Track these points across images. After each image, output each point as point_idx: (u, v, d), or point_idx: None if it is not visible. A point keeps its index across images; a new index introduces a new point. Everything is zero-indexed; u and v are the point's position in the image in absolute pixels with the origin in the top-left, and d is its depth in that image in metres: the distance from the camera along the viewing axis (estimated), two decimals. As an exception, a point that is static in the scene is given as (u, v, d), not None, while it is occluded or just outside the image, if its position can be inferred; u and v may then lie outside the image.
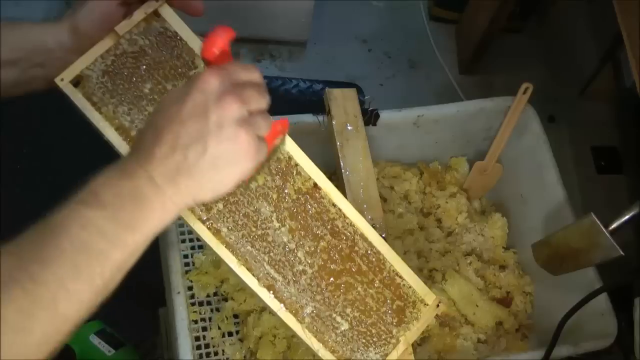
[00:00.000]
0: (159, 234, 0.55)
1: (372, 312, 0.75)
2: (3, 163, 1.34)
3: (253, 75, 0.58)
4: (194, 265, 0.98)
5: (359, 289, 0.74)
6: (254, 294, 0.71)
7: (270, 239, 0.70)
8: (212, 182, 0.56)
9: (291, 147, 0.70)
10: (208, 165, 0.54)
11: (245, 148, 0.56)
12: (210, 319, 0.96)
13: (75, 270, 0.49)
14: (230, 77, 0.56)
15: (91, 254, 0.50)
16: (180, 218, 0.68)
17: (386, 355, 0.75)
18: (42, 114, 1.42)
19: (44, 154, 1.41)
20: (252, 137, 0.56)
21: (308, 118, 0.97)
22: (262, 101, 0.58)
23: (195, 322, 0.94)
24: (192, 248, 1.00)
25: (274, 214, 0.71)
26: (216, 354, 0.93)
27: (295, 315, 0.71)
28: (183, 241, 0.99)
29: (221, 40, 0.56)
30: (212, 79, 0.55)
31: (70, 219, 0.51)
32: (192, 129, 0.54)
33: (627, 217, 0.82)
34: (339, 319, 0.73)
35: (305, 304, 0.72)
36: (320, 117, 0.96)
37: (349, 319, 0.74)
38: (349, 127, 0.93)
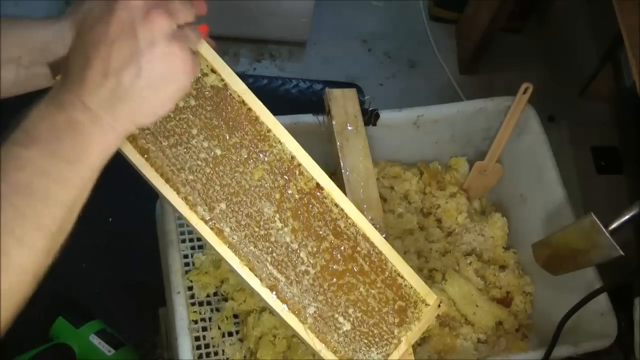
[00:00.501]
0: (102, 166, 0.53)
1: (374, 313, 0.75)
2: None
3: None
4: (194, 265, 0.98)
5: (361, 289, 0.75)
6: (255, 294, 0.71)
7: (272, 239, 0.70)
8: (151, 103, 0.53)
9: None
10: (144, 86, 0.52)
11: (181, 63, 0.53)
12: (210, 319, 0.96)
13: (20, 215, 0.47)
14: None
15: (34, 195, 0.48)
16: (181, 217, 0.69)
17: (388, 355, 0.75)
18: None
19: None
20: (186, 51, 0.54)
21: (308, 118, 0.97)
22: (188, 13, 0.55)
23: (195, 322, 0.94)
24: (192, 248, 1.00)
25: (277, 214, 0.71)
26: (216, 354, 0.93)
27: (297, 315, 0.71)
28: (183, 241, 0.99)
29: None
30: None
31: (5, 162, 0.48)
32: (122, 50, 0.51)
33: (627, 217, 0.82)
34: (341, 319, 0.73)
35: (308, 304, 0.72)
36: (320, 117, 0.96)
37: (351, 319, 0.74)
38: (349, 127, 0.93)
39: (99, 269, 1.29)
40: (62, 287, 1.26)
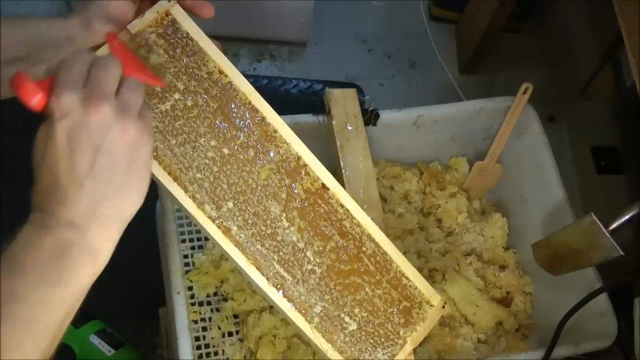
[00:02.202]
0: (92, 281, 0.51)
1: (379, 313, 0.75)
2: (3, 163, 1.34)
3: (83, 56, 0.53)
4: (194, 265, 0.98)
5: (367, 289, 0.75)
6: (262, 293, 0.71)
7: (279, 238, 0.71)
8: (132, 184, 0.53)
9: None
10: (118, 172, 0.51)
11: (137, 133, 0.52)
12: (210, 319, 0.96)
13: (3, 342, 0.46)
14: (70, 78, 0.51)
15: (18, 325, 0.46)
16: (188, 216, 0.69)
17: (394, 355, 0.75)
18: (43, 114, 1.42)
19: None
20: (133, 123, 0.52)
21: (308, 118, 0.97)
22: (111, 75, 0.52)
23: (195, 322, 0.94)
24: (192, 248, 1.00)
25: (284, 213, 0.71)
26: (216, 354, 0.93)
27: (304, 315, 0.72)
28: (183, 241, 0.99)
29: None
30: (59, 100, 0.50)
31: None
32: (82, 154, 0.49)
33: (627, 217, 0.82)
34: (347, 319, 0.74)
35: (314, 303, 0.72)
36: (320, 117, 0.96)
37: (357, 319, 0.74)
38: (349, 127, 0.93)
39: (99, 269, 1.29)
40: (62, 287, 1.27)
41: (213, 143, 0.69)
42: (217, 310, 0.96)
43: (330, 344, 0.73)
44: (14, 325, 0.46)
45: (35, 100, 0.50)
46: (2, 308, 0.46)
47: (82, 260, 0.50)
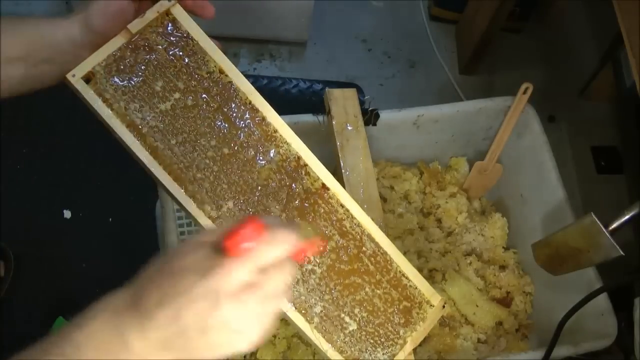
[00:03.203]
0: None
1: (379, 313, 0.75)
2: (3, 163, 1.34)
3: (280, 250, 0.52)
4: (194, 265, 0.98)
5: (367, 289, 0.75)
6: None
7: None
8: (200, 356, 0.51)
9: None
10: (203, 345, 0.50)
11: (251, 334, 0.51)
12: (210, 319, 0.96)
13: None
14: (257, 262, 0.50)
15: None
16: (188, 216, 0.69)
17: (394, 355, 0.75)
18: (43, 114, 1.42)
19: (44, 154, 1.41)
20: (262, 328, 0.51)
21: (308, 118, 0.97)
22: (282, 281, 0.52)
23: (195, 322, 0.94)
24: (192, 248, 1.00)
25: (284, 213, 0.71)
26: (216, 354, 0.93)
27: (304, 315, 0.72)
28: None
29: (251, 238, 0.50)
30: (236, 270, 0.49)
31: None
32: (198, 312, 0.49)
33: (627, 217, 0.82)
34: (347, 319, 0.74)
35: (314, 303, 0.72)
36: (320, 117, 0.96)
37: (357, 319, 0.74)
38: (349, 127, 0.93)
39: (99, 269, 1.29)
40: (62, 287, 1.26)
41: (213, 143, 0.69)
42: (217, 310, 0.96)
43: (330, 344, 0.73)
44: None
45: (237, 251, 0.49)
46: None
47: None
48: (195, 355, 0.50)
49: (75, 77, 0.64)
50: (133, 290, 0.51)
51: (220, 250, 0.49)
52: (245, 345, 0.51)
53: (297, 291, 0.72)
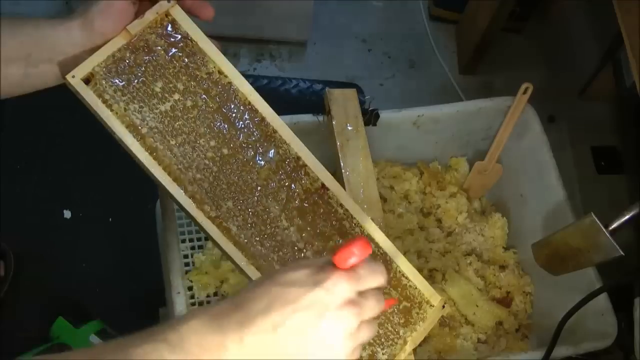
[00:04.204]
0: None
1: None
2: (3, 163, 1.34)
3: (379, 281, 0.55)
4: (194, 265, 0.98)
5: None
6: None
7: (279, 238, 0.71)
8: None
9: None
10: (293, 355, 0.51)
11: (340, 352, 0.52)
12: (210, 319, 0.96)
13: None
14: (359, 284, 0.53)
15: None
16: (188, 216, 0.69)
17: (394, 355, 0.75)
18: (43, 114, 1.42)
19: (44, 154, 1.41)
20: (353, 350, 0.53)
21: (308, 118, 0.97)
22: (377, 309, 0.55)
23: (195, 322, 0.94)
24: (192, 248, 1.00)
25: (283, 213, 0.71)
26: (216, 354, 0.93)
27: None
28: (183, 241, 0.99)
29: (359, 255, 0.53)
30: (342, 284, 0.52)
31: (145, 355, 0.49)
32: (301, 321, 0.51)
33: (627, 217, 0.81)
34: None
35: None
36: (320, 117, 0.96)
37: None
38: (349, 127, 0.93)
39: (99, 269, 1.30)
40: (62, 287, 1.27)
41: (213, 143, 0.69)
42: (217, 310, 0.96)
43: (330, 344, 0.73)
44: None
45: (345, 266, 0.53)
46: None
47: None
48: None
49: (75, 78, 0.64)
50: (238, 298, 0.53)
51: (329, 267, 0.53)
52: None
53: None
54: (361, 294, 0.53)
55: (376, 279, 0.55)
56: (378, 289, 0.55)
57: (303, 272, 0.53)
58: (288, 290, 0.52)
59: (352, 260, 0.53)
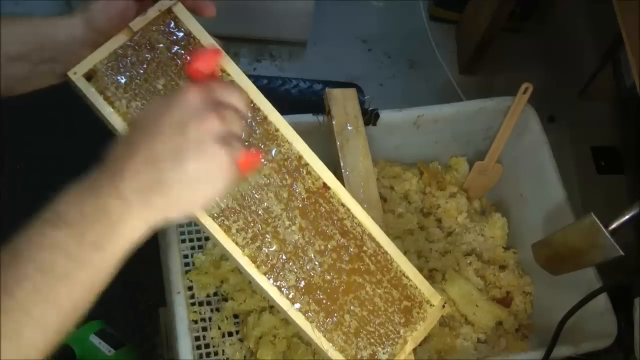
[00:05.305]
0: (125, 255, 0.53)
1: (380, 312, 0.75)
2: (4, 163, 1.34)
3: (235, 98, 0.57)
4: (194, 265, 0.98)
5: (368, 288, 0.75)
6: (263, 293, 0.71)
7: (280, 237, 0.71)
8: (185, 200, 0.54)
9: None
10: (182, 182, 0.52)
11: (222, 168, 0.54)
12: (210, 319, 0.96)
13: (39, 294, 0.48)
14: (213, 95, 0.55)
15: (56, 276, 0.48)
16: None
17: (394, 355, 0.75)
18: (43, 114, 1.42)
19: (44, 154, 1.41)
20: (228, 157, 0.54)
21: (308, 118, 0.97)
22: (240, 125, 0.56)
23: (195, 322, 0.94)
24: (192, 248, 1.00)
25: (285, 212, 0.71)
26: (216, 354, 0.93)
27: (304, 314, 0.72)
28: (183, 241, 0.99)
29: (209, 61, 0.55)
30: (194, 95, 0.53)
31: (34, 241, 0.49)
32: (169, 145, 0.52)
33: (627, 217, 0.82)
34: (348, 318, 0.74)
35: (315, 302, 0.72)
36: (320, 117, 0.96)
37: (358, 318, 0.74)
38: (349, 127, 0.93)
39: (99, 269, 1.29)
40: (62, 287, 1.26)
41: None
42: (217, 310, 0.96)
43: (331, 343, 0.73)
44: (53, 274, 0.48)
45: (198, 74, 0.57)
46: (44, 255, 0.48)
47: (121, 230, 0.52)
48: (179, 201, 0.53)
49: (76, 75, 0.64)
50: (107, 163, 0.53)
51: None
52: (221, 181, 0.54)
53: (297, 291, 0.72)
54: (219, 104, 0.54)
55: (230, 92, 0.56)
56: (235, 108, 0.56)
57: (154, 106, 0.55)
58: (144, 126, 0.53)
59: (206, 65, 0.54)
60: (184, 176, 0.52)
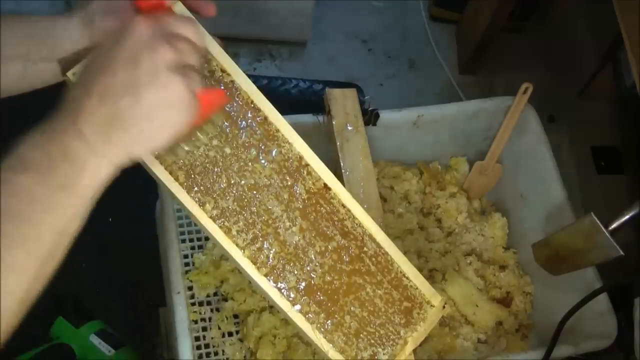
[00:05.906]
0: (96, 194, 0.53)
1: (380, 313, 0.75)
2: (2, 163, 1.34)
3: (188, 29, 0.55)
4: (194, 265, 0.98)
5: (368, 289, 0.75)
6: (263, 293, 0.71)
7: (281, 238, 0.71)
8: (147, 134, 0.52)
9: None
10: (141, 115, 0.51)
11: (179, 96, 0.52)
12: (210, 319, 0.96)
13: (9, 240, 0.47)
14: (163, 26, 0.53)
15: (24, 220, 0.48)
16: (189, 216, 0.69)
17: (394, 355, 0.75)
18: (42, 114, 1.42)
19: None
20: (185, 87, 0.52)
21: (308, 118, 0.97)
22: (195, 57, 0.55)
23: (195, 322, 0.94)
24: (192, 248, 1.00)
25: (285, 213, 0.71)
26: (216, 354, 0.93)
27: (304, 314, 0.72)
28: (183, 241, 0.99)
29: None
30: (142, 26, 0.52)
31: None
32: (122, 78, 0.50)
33: (627, 217, 0.82)
34: (348, 319, 0.74)
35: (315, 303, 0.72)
36: (320, 117, 0.96)
37: (358, 319, 0.74)
38: (349, 127, 0.93)
39: (99, 269, 1.29)
40: (62, 287, 1.26)
41: (215, 142, 0.68)
42: (217, 310, 0.96)
43: (331, 344, 0.73)
44: (21, 219, 0.48)
45: (145, 3, 0.55)
46: (10, 201, 0.48)
47: (85, 169, 0.51)
48: (141, 135, 0.52)
49: (75, 76, 0.64)
50: (64, 105, 0.53)
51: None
52: (181, 112, 0.53)
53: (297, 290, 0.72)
54: (171, 35, 0.53)
55: (184, 24, 0.55)
56: (189, 40, 0.54)
57: (104, 43, 0.53)
58: (96, 63, 0.52)
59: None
60: (142, 108, 0.51)
